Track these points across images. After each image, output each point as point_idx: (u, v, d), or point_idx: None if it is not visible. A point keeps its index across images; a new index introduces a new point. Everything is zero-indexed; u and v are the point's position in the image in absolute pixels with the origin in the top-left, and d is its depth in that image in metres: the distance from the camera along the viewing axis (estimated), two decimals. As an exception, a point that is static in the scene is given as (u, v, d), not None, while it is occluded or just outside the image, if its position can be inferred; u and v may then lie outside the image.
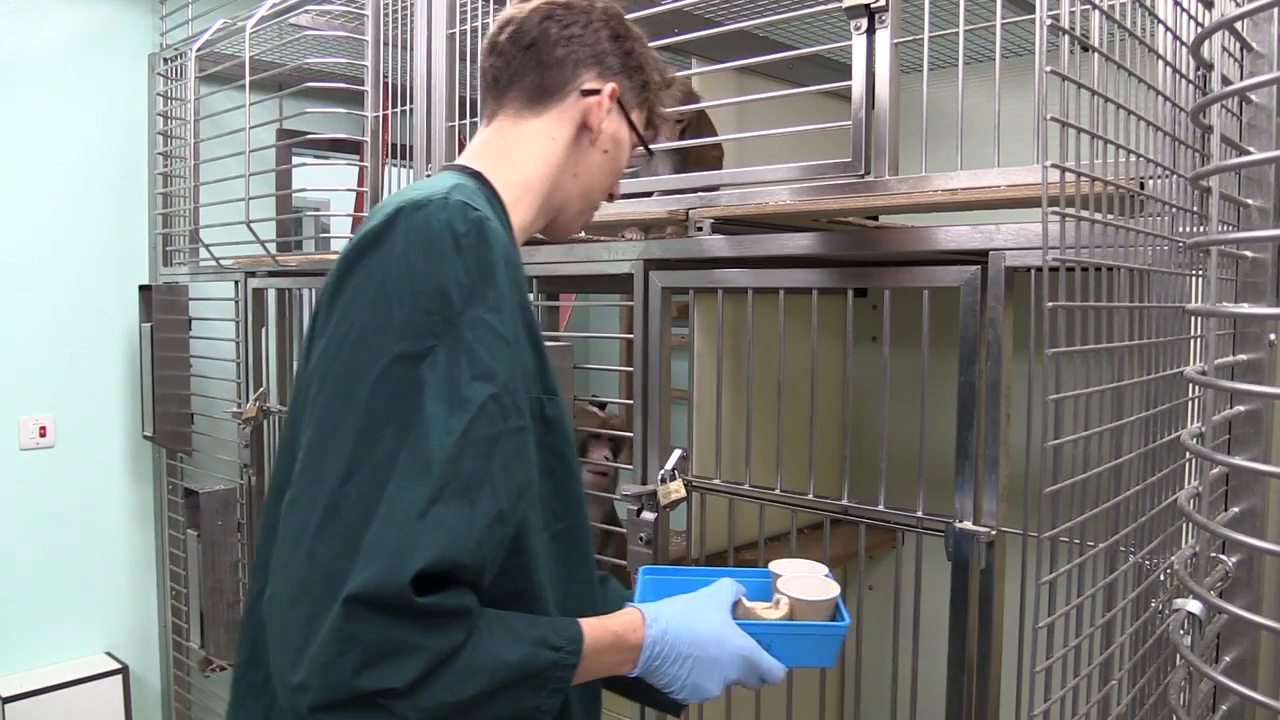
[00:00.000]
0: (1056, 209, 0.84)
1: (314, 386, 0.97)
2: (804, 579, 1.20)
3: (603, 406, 2.14)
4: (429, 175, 1.20)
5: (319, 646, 0.86)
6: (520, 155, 1.18)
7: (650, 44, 1.26)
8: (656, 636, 1.06)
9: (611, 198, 1.30)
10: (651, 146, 1.28)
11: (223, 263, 2.85)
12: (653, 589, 1.24)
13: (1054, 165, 0.83)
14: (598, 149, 1.21)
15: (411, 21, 2.24)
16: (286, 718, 0.90)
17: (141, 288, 3.14)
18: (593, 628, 1.03)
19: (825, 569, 1.23)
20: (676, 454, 1.74)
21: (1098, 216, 0.90)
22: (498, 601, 0.99)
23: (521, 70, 1.19)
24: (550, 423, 1.07)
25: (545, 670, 0.97)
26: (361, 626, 0.86)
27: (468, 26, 2.07)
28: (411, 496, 0.89)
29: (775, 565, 1.24)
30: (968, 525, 1.40)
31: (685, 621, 1.09)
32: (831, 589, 1.17)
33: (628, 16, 1.24)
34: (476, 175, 1.15)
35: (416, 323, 0.94)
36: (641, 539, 1.72)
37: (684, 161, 2.01)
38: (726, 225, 1.70)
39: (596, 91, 1.18)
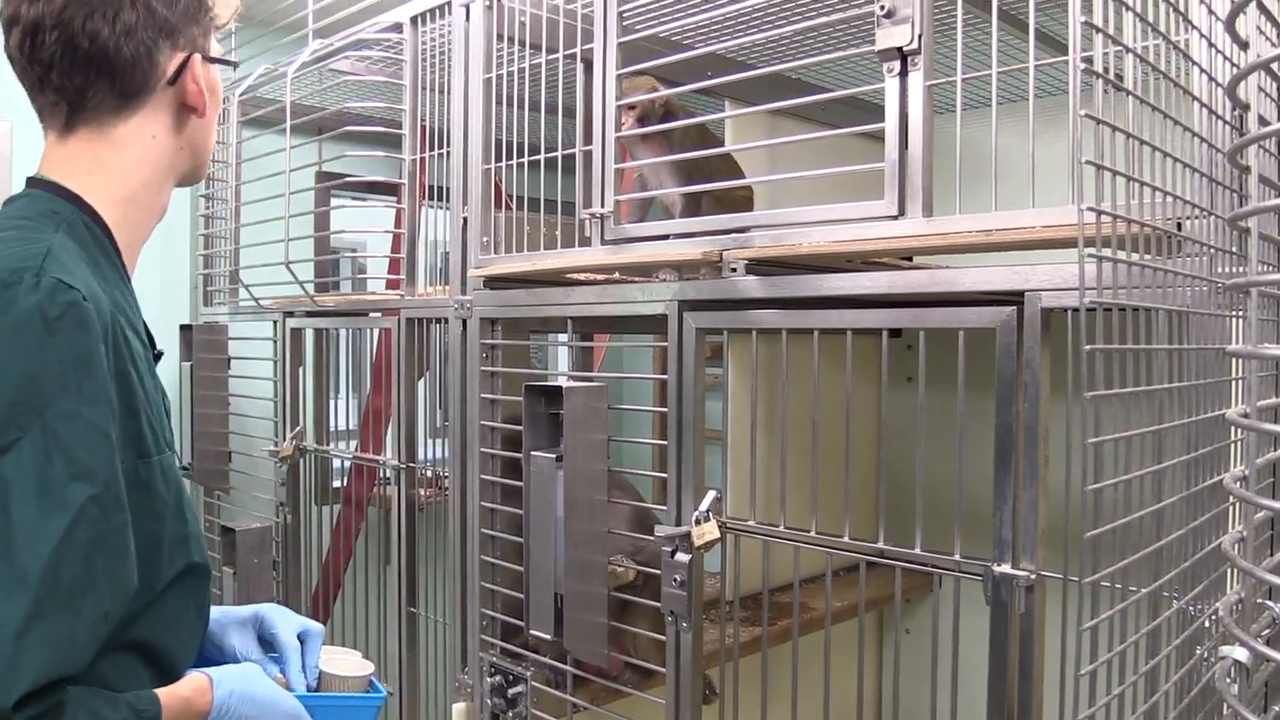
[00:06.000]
0: (1093, 251, 0.84)
1: None
2: (341, 659, 1.38)
3: None
4: (25, 192, 1.13)
5: None
6: (120, 167, 1.13)
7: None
8: (223, 698, 1.10)
9: None
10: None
11: (262, 303, 2.89)
12: None
13: (1090, 208, 0.83)
14: (205, 117, 1.18)
15: (449, 66, 2.28)
16: None
17: (182, 327, 3.19)
18: (167, 696, 1.06)
19: (359, 654, 1.43)
20: (711, 495, 1.73)
21: (1134, 258, 0.90)
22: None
23: (91, 83, 1.08)
24: (145, 485, 1.03)
25: None
26: None
27: (504, 71, 2.10)
28: (9, 614, 0.88)
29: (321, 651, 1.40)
30: (1006, 569, 1.38)
31: (245, 685, 1.14)
32: (365, 667, 1.36)
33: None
34: (74, 199, 1.10)
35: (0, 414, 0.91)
36: (675, 581, 1.71)
37: (688, 176, 1.99)
38: (760, 266, 1.71)
39: (182, 70, 1.12)
